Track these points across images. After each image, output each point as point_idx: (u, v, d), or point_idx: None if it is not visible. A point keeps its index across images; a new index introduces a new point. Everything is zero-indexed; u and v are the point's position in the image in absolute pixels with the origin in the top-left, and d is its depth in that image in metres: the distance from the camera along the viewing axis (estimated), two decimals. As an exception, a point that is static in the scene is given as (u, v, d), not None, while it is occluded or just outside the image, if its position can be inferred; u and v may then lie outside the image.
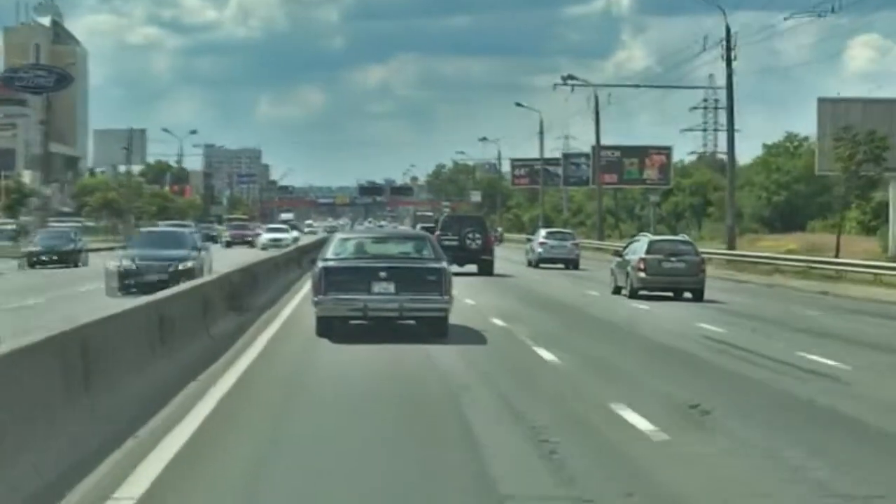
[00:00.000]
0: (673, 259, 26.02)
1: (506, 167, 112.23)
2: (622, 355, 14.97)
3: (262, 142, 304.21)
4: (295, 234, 62.40)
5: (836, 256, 42.34)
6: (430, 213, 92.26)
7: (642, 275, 25.72)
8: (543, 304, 24.51)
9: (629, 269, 26.30)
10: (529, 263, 45.27)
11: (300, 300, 22.33)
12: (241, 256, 32.94)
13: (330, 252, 16.53)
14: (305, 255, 32.66)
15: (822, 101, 50.97)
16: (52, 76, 59.27)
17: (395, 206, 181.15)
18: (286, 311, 20.56)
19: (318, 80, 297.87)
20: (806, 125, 77.29)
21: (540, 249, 44.71)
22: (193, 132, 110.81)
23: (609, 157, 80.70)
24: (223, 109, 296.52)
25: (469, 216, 60.00)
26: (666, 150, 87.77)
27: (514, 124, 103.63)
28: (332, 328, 15.98)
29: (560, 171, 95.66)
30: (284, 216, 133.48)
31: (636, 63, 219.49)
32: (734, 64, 47.79)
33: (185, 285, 14.75)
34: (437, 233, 37.46)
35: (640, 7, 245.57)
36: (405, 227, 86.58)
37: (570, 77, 68.41)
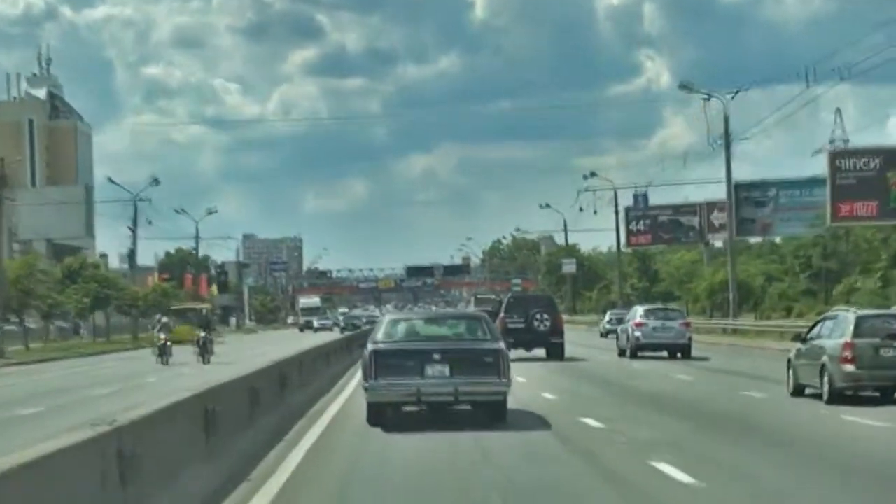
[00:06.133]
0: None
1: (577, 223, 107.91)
2: None
3: (307, 233, 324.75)
4: None
5: None
6: (491, 296, 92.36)
7: (850, 368, 20.42)
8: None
9: (825, 359, 20.92)
10: (622, 353, 40.69)
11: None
12: None
13: (381, 334, 17.66)
14: None
15: None
16: None
17: (448, 289, 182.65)
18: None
19: (362, 171, 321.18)
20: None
21: (637, 333, 39.63)
22: (212, 212, 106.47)
23: (857, 170, 57.32)
24: (267, 202, 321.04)
25: (536, 296, 61.88)
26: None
27: (563, 204, 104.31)
28: (384, 416, 17.00)
29: (697, 221, 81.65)
30: (305, 302, 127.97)
31: (680, 140, 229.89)
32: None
33: None
34: (502, 315, 38.93)
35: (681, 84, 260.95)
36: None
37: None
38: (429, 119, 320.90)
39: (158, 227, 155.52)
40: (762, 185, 75.57)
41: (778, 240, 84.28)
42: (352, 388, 24.40)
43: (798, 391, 22.33)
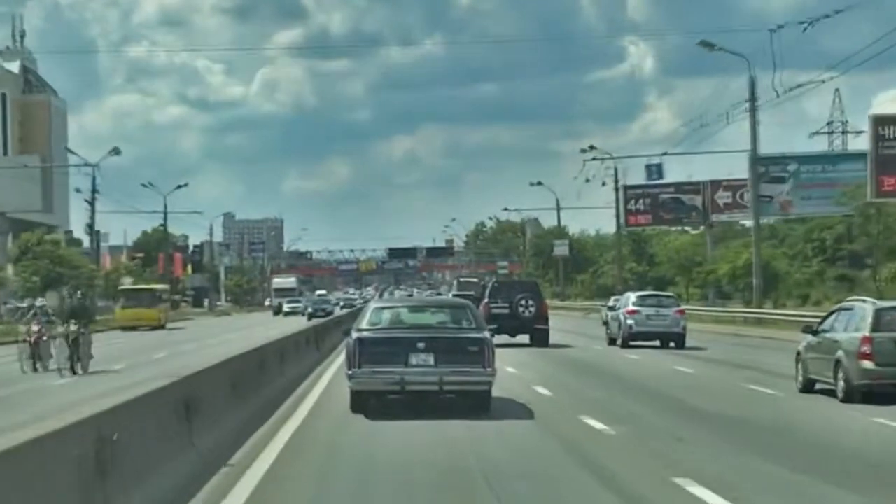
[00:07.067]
0: None
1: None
2: None
3: (290, 214, 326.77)
4: None
5: None
6: (473, 280, 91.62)
7: (868, 364, 19.23)
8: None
9: (840, 354, 19.78)
10: (612, 341, 39.58)
11: None
12: None
13: (365, 322, 17.76)
14: None
15: None
16: None
17: (431, 271, 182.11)
18: None
19: (345, 152, 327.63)
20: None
21: (630, 321, 38.31)
22: (182, 186, 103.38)
23: None
24: (251, 184, 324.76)
25: (521, 281, 62.21)
26: None
27: (544, 190, 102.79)
28: (367, 404, 17.16)
29: (700, 200, 77.97)
30: (279, 282, 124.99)
31: (663, 125, 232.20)
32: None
33: None
34: (486, 300, 39.51)
35: (664, 69, 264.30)
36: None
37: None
38: (412, 101, 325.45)
39: (136, 206, 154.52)
40: (781, 160, 69.66)
41: (772, 221, 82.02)
42: (310, 406, 18.92)
43: (808, 387, 21.27)
